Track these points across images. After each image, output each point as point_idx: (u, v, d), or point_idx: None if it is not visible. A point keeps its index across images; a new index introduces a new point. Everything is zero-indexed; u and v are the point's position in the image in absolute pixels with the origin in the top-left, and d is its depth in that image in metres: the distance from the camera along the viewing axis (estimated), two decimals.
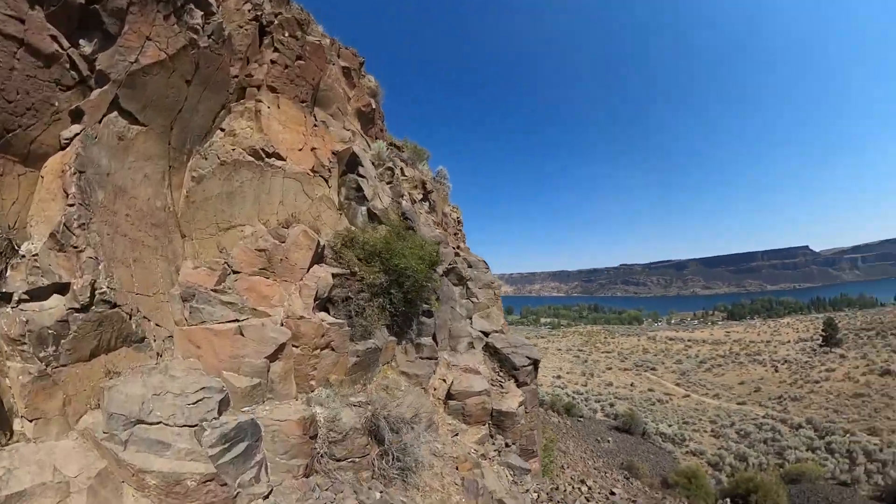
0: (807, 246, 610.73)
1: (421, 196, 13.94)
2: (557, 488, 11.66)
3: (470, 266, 14.37)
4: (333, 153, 10.23)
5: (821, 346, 79.00)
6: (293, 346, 7.10)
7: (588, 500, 11.75)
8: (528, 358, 12.10)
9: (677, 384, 59.55)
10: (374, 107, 13.15)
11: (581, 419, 31.79)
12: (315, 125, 10.24)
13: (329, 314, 7.96)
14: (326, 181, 9.93)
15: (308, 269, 8.06)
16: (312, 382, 7.30)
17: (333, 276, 8.29)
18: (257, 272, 7.70)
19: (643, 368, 68.96)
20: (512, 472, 9.30)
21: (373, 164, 11.32)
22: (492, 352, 12.05)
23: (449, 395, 9.72)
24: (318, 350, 7.40)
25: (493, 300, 14.20)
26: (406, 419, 7.21)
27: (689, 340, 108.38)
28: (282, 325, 7.16)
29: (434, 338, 9.99)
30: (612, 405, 42.79)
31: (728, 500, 21.84)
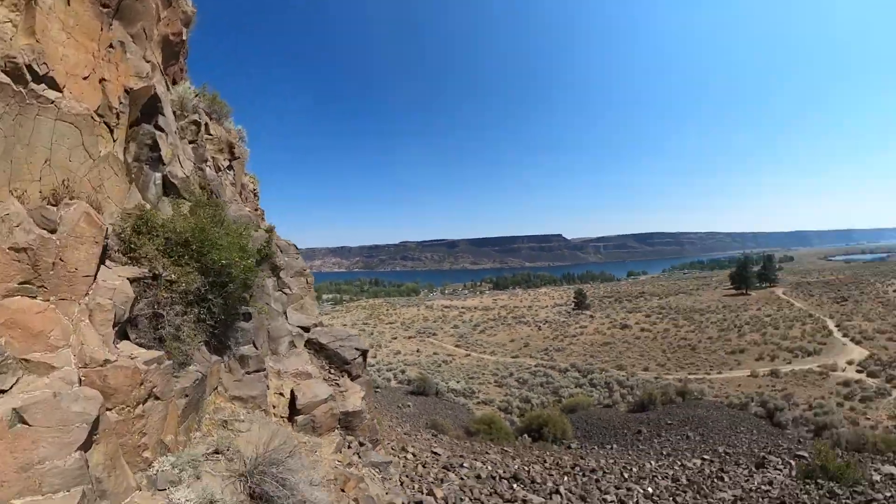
0: (560, 234, 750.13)
1: (227, 163, 11.74)
2: (392, 464, 10.69)
3: (281, 251, 12.99)
4: (127, 91, 7.31)
5: (574, 309, 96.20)
6: (107, 411, 4.96)
7: (424, 467, 11.66)
8: (357, 349, 11.67)
9: (457, 346, 64.55)
10: (183, 38, 10.06)
11: (378, 389, 32.18)
12: (111, 46, 7.06)
13: (131, 342, 5.96)
14: (112, 132, 6.93)
15: (95, 277, 5.60)
16: (147, 454, 5.35)
17: (131, 282, 6.14)
18: (17, 289, 4.91)
19: (425, 335, 73.16)
20: (378, 470, 8.84)
21: (174, 113, 8.89)
22: (317, 348, 11.36)
23: (295, 410, 8.79)
24: (141, 405, 5.42)
25: (305, 289, 13.25)
26: (279, 460, 6.02)
27: (462, 308, 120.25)
28: (80, 381, 4.81)
29: (254, 344, 8.83)
30: (403, 372, 44.06)
31: (525, 435, 23.42)
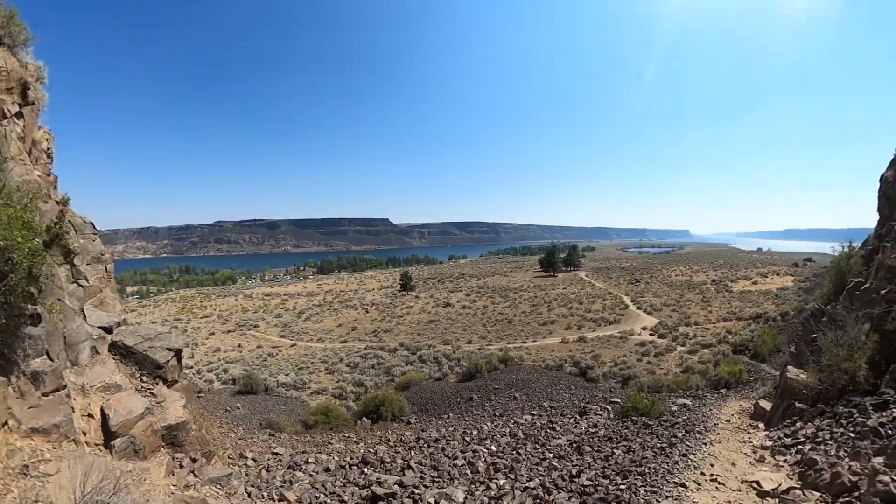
0: (387, 218, 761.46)
1: (17, 108, 9.23)
2: (234, 475, 9.53)
3: (76, 230, 11.08)
4: None
5: (400, 291, 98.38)
6: None
7: (269, 471, 10.75)
8: (170, 350, 10.44)
9: (282, 336, 61.28)
10: None
11: (201, 394, 30.26)
12: None
13: None
14: None
15: None
16: None
17: None
18: None
19: (246, 328, 68.14)
20: (220, 486, 7.99)
21: None
22: (124, 353, 10.00)
23: (109, 433, 7.55)
24: None
25: (105, 279, 11.57)
26: (103, 502, 5.08)
27: (285, 295, 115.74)
28: None
29: (49, 355, 7.30)
30: (226, 371, 40.67)
31: (364, 418, 22.65)
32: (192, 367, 42.37)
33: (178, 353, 10.68)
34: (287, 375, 37.97)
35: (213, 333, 64.81)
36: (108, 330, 10.05)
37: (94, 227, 11.77)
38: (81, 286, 9.86)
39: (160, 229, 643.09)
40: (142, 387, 9.32)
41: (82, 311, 9.37)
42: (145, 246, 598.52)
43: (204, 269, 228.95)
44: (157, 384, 9.57)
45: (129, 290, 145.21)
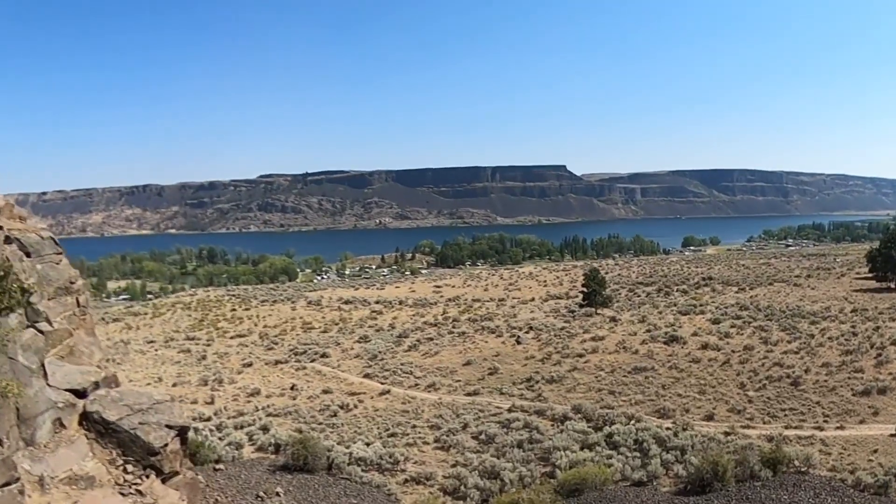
0: (564, 166, 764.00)
1: None
2: None
3: (28, 254, 12.70)
4: None
5: (582, 305, 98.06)
6: None
7: None
8: (171, 428, 11.77)
9: (367, 376, 64.86)
10: None
11: (219, 465, 32.25)
12: None
13: None
14: None
15: None
16: None
17: None
18: None
19: (307, 357, 73.00)
20: None
21: None
22: (101, 429, 11.29)
23: None
24: None
25: (76, 317, 13.27)
26: None
27: (377, 302, 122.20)
28: None
29: None
30: (266, 429, 43.80)
31: None
32: (210, 421, 46.77)
33: (181, 433, 12.10)
34: (369, 445, 40.30)
35: (249, 364, 71.01)
36: (81, 394, 11.62)
37: (56, 243, 13.82)
38: (41, 332, 11.60)
39: (166, 189, 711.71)
40: (125, 480, 10.63)
41: (42, 367, 11.09)
42: (141, 215, 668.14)
43: (239, 255, 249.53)
44: (147, 477, 10.87)
45: (111, 286, 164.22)
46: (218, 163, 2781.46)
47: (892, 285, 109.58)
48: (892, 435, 42.16)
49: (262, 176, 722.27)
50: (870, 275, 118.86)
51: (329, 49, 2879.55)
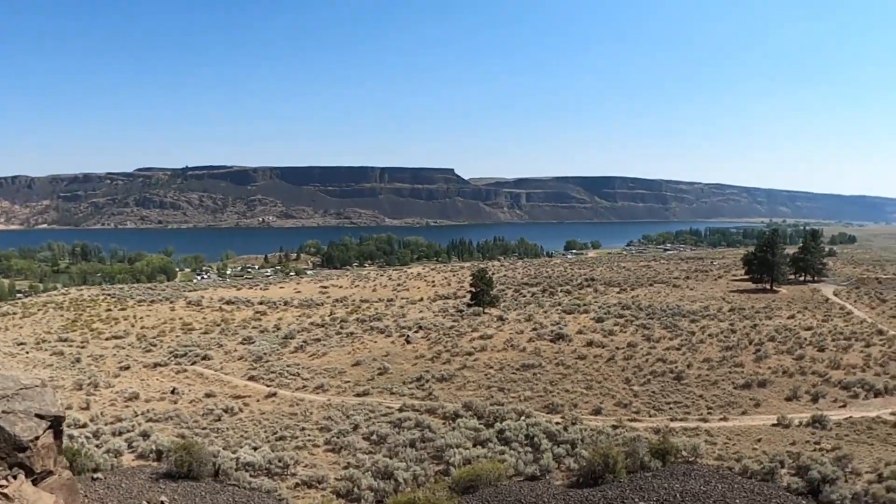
0: (452, 169, 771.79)
1: None
2: None
3: None
4: None
5: (470, 305, 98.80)
6: None
7: None
8: (42, 417, 10.87)
9: (252, 378, 63.86)
10: None
11: (98, 474, 31.51)
12: None
13: None
14: None
15: None
16: None
17: None
18: None
19: (188, 359, 71.58)
20: None
21: None
22: None
23: None
24: None
25: None
26: None
27: (261, 303, 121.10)
28: None
29: None
30: (146, 436, 42.61)
31: None
32: (86, 427, 44.52)
33: (55, 424, 11.03)
34: (256, 450, 39.17)
35: (127, 367, 68.36)
36: None
37: None
38: None
39: (36, 181, 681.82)
40: None
41: None
42: (9, 209, 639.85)
43: (115, 252, 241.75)
44: (14, 478, 9.89)
45: None
46: (93, 154, 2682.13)
47: (768, 286, 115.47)
48: (774, 425, 44.21)
49: (139, 169, 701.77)
50: (746, 277, 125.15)
51: (212, 36, 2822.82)
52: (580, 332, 75.31)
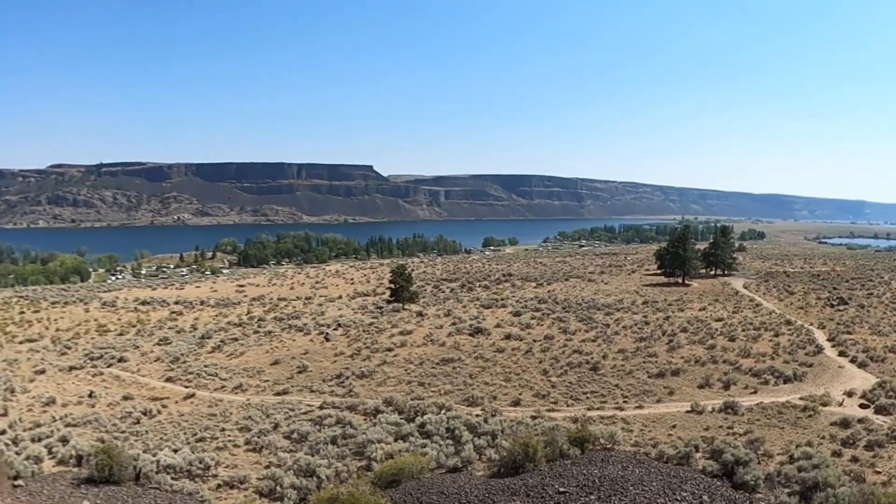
0: (371, 166, 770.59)
1: None
2: None
3: None
4: None
5: (390, 301, 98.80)
6: None
7: None
8: None
9: (169, 379, 62.94)
10: None
11: (19, 481, 31.26)
12: None
13: None
14: None
15: None
16: None
17: None
18: None
19: (104, 361, 69.94)
20: None
21: None
22: None
23: None
24: None
25: None
26: None
27: (176, 302, 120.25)
28: None
29: None
30: (66, 441, 41.82)
31: None
32: (3, 434, 43.35)
33: None
34: (177, 452, 38.64)
35: (42, 371, 66.05)
36: None
37: None
38: None
39: None
40: None
41: None
42: None
43: (27, 253, 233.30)
44: None
45: None
46: (3, 148, 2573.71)
47: (680, 280, 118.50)
48: (688, 411, 45.53)
49: (52, 166, 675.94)
50: (658, 271, 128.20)
51: (125, 28, 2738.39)
52: (498, 325, 76.44)
